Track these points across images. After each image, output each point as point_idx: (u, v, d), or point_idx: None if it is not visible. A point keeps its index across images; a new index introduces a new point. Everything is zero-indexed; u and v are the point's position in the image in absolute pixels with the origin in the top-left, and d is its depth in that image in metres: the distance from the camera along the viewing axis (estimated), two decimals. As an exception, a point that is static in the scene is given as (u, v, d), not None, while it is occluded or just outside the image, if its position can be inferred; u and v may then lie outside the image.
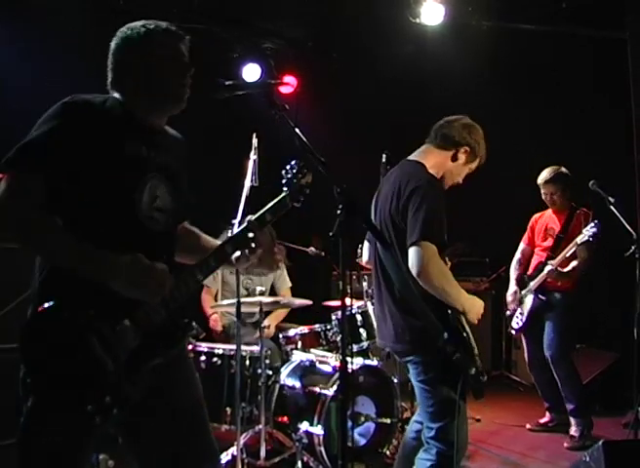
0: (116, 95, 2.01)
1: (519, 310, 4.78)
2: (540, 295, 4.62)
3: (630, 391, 4.40)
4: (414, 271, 2.55)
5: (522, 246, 4.98)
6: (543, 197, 4.73)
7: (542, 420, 4.88)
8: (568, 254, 4.45)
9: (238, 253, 2.12)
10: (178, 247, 2.12)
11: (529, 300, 4.71)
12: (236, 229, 2.14)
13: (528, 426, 4.91)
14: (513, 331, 4.89)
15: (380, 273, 2.84)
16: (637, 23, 4.87)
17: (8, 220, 1.79)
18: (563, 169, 4.66)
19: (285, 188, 2.20)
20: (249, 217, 2.15)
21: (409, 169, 2.83)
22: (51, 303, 1.73)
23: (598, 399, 4.71)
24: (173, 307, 1.90)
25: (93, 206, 1.85)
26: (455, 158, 2.87)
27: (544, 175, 4.68)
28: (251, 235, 2.10)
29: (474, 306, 2.70)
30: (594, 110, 5.75)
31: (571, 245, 4.42)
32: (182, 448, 2.00)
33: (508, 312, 4.87)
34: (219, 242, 2.16)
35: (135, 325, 1.83)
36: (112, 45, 2.02)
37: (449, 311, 2.63)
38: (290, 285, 5.03)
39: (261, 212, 2.15)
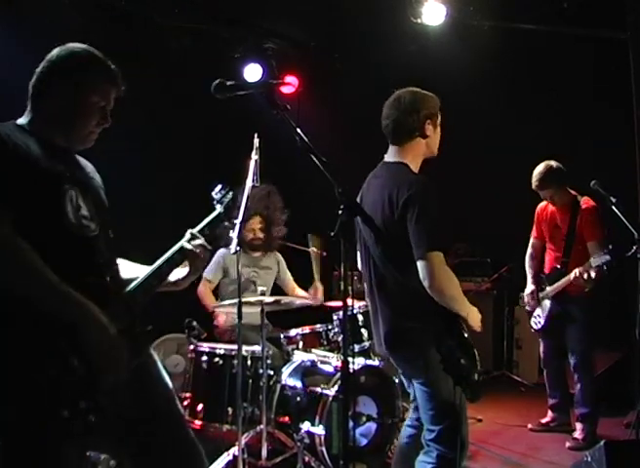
0: (24, 117, 2.01)
1: (537, 311, 4.74)
2: (558, 305, 4.58)
3: (632, 391, 4.40)
4: (426, 284, 2.53)
5: (532, 240, 4.91)
6: (543, 199, 4.71)
7: (544, 420, 4.88)
8: (583, 277, 4.27)
9: (184, 273, 2.23)
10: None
11: (547, 304, 4.66)
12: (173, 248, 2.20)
13: (529, 426, 4.91)
14: (533, 330, 4.86)
15: (373, 279, 2.81)
16: (638, 24, 4.87)
17: None
18: (552, 163, 4.52)
19: (217, 206, 2.38)
20: (189, 231, 2.24)
21: (394, 174, 2.76)
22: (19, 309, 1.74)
23: (600, 399, 4.69)
24: (130, 319, 1.95)
25: (29, 228, 1.79)
26: (425, 136, 2.82)
27: (534, 182, 4.54)
28: (194, 244, 2.19)
29: (474, 313, 2.70)
30: (595, 110, 5.75)
31: (583, 268, 4.26)
32: (167, 448, 2.04)
33: (527, 308, 4.82)
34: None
35: None
36: (44, 63, 2.01)
37: (451, 316, 2.62)
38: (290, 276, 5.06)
39: (200, 226, 2.29)
